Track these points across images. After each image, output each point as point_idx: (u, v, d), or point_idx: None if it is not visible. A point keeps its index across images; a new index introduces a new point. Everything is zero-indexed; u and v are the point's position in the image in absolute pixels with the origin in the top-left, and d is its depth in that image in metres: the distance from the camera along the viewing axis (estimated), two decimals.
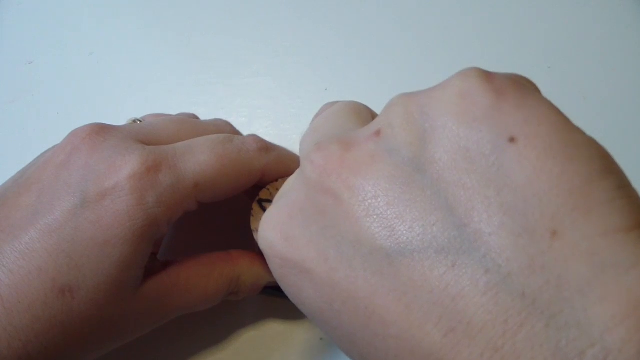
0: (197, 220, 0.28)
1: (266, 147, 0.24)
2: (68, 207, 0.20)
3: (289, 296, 0.19)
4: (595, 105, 0.34)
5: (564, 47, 0.37)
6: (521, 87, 0.15)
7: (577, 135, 0.14)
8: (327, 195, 0.16)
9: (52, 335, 0.20)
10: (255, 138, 0.25)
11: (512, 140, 0.14)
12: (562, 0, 0.39)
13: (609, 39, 0.37)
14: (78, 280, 0.20)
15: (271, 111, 0.36)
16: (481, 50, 0.37)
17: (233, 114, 0.35)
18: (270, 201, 0.25)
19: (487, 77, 0.16)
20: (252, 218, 0.24)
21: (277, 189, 0.25)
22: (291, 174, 0.25)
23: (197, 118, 0.31)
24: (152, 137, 0.24)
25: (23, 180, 0.22)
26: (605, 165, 0.14)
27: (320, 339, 0.27)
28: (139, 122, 0.27)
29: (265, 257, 0.19)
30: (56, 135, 0.24)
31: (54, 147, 0.24)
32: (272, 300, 0.28)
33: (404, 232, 0.15)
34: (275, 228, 0.18)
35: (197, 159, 0.22)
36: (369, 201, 0.15)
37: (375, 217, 0.15)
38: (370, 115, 0.21)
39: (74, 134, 0.23)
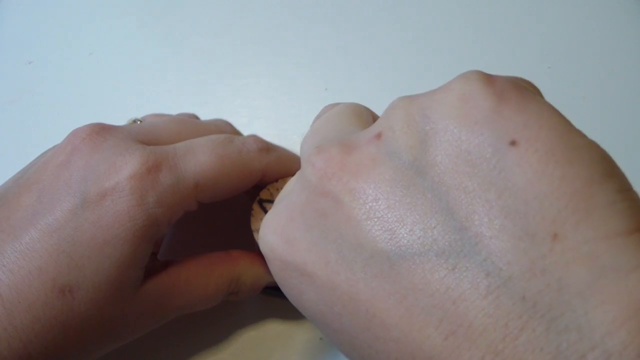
0: (198, 220, 0.28)
1: (267, 148, 0.24)
2: (68, 207, 0.20)
3: (290, 299, 0.19)
4: (595, 105, 0.34)
5: (564, 47, 0.37)
6: (522, 90, 0.15)
7: (578, 139, 0.14)
8: (328, 198, 0.16)
9: (53, 335, 0.20)
10: (255, 138, 0.25)
11: (513, 143, 0.14)
12: (562, 0, 0.39)
13: (609, 39, 0.37)
14: (78, 280, 0.20)
15: (271, 111, 0.36)
16: (481, 50, 0.37)
17: (233, 114, 0.35)
18: (270, 201, 0.25)
19: (489, 80, 0.16)
20: (252, 218, 0.24)
21: (278, 189, 0.25)
22: (292, 175, 0.25)
23: (197, 118, 0.31)
24: (152, 137, 0.24)
25: (23, 181, 0.22)
26: (606, 169, 0.14)
27: (320, 339, 0.27)
28: (139, 122, 0.27)
29: (266, 259, 0.19)
30: (56, 135, 0.24)
31: (54, 147, 0.24)
32: (272, 301, 0.28)
33: (405, 235, 0.15)
34: (276, 231, 0.18)
35: (198, 159, 0.22)
36: (370, 204, 0.15)
37: (375, 220, 0.15)
38: (371, 117, 0.21)
39: (74, 134, 0.23)
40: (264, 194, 0.25)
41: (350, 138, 0.18)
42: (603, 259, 0.13)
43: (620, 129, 0.33)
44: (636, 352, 0.11)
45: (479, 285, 0.13)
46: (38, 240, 0.20)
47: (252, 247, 0.25)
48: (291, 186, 0.20)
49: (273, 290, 0.26)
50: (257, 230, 0.24)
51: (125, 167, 0.21)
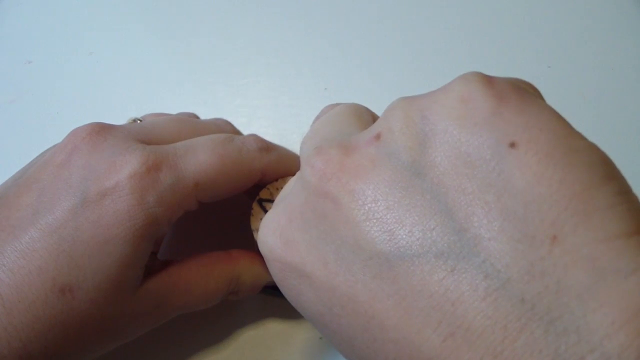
0: (198, 219, 0.28)
1: (266, 147, 0.24)
2: (68, 207, 0.20)
3: (289, 299, 0.19)
4: (595, 105, 0.34)
5: (564, 47, 0.37)
6: (522, 92, 0.15)
7: (578, 141, 0.14)
8: (327, 200, 0.16)
9: (53, 334, 0.20)
10: (255, 138, 0.25)
11: (512, 145, 0.14)
12: (562, 0, 0.39)
13: (608, 39, 0.37)
14: (78, 280, 0.20)
15: (271, 111, 0.36)
16: (481, 50, 0.37)
17: (233, 114, 0.35)
18: (270, 201, 0.25)
19: (488, 81, 0.15)
20: (252, 218, 0.24)
21: (278, 189, 0.25)
22: (292, 174, 0.25)
23: (197, 118, 0.31)
24: (152, 136, 0.24)
25: (23, 180, 0.22)
26: (606, 171, 0.14)
27: (320, 338, 0.27)
28: (139, 122, 0.27)
29: (265, 260, 0.19)
30: (56, 135, 0.24)
31: (54, 146, 0.24)
32: (272, 300, 0.28)
33: (404, 236, 0.15)
34: (275, 232, 0.18)
35: (198, 159, 0.22)
36: (369, 205, 0.15)
37: (374, 221, 0.15)
38: (371, 118, 0.21)
39: (74, 133, 0.23)
40: (263, 194, 0.25)
41: (349, 139, 0.18)
42: (602, 261, 0.13)
43: (620, 128, 0.33)
44: (635, 354, 0.11)
45: (478, 287, 0.13)
46: (38, 240, 0.20)
47: (252, 247, 0.25)
48: (291, 187, 0.20)
49: (273, 290, 0.26)
50: (257, 230, 0.24)
51: (126, 167, 0.21)
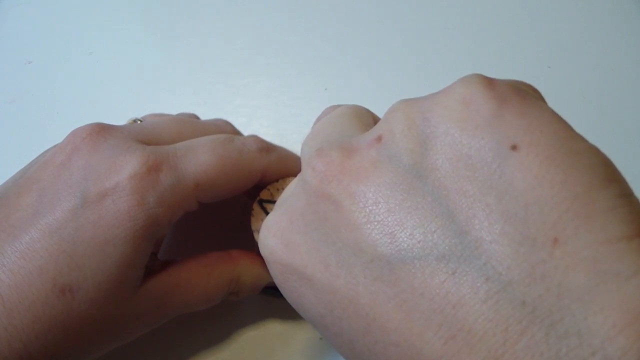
0: (198, 220, 0.28)
1: (267, 148, 0.24)
2: (69, 207, 0.20)
3: (290, 301, 0.19)
4: (594, 105, 0.34)
5: (564, 47, 0.37)
6: (523, 94, 0.15)
7: (579, 143, 0.14)
8: (328, 202, 0.16)
9: (53, 335, 0.20)
10: (255, 138, 0.25)
11: (514, 148, 0.14)
12: (561, 0, 0.39)
13: (608, 39, 0.37)
14: (78, 280, 0.20)
15: (271, 111, 0.36)
16: (481, 50, 0.37)
17: (233, 114, 0.35)
18: (271, 201, 0.25)
19: (489, 83, 0.15)
20: (252, 218, 0.24)
21: (278, 190, 0.25)
22: (292, 175, 0.25)
23: (197, 118, 0.31)
24: (152, 137, 0.24)
25: (23, 180, 0.22)
26: (608, 174, 0.14)
27: (320, 338, 0.28)
28: (139, 122, 0.27)
29: (266, 262, 0.19)
30: (56, 135, 0.24)
31: (54, 146, 0.24)
32: (272, 301, 0.28)
33: (405, 239, 0.15)
34: (276, 234, 0.18)
35: (198, 159, 0.22)
36: (370, 208, 0.16)
37: (375, 223, 0.15)
38: (372, 119, 0.21)
39: (74, 133, 0.23)
40: (264, 194, 0.25)
41: (350, 141, 0.18)
42: (603, 264, 0.12)
43: (620, 129, 0.33)
44: (636, 357, 0.11)
45: (479, 290, 0.13)
46: (38, 240, 0.20)
47: (252, 248, 0.25)
48: (292, 189, 0.20)
49: (273, 291, 0.26)
50: (258, 231, 0.24)
51: (126, 167, 0.21)
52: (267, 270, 0.25)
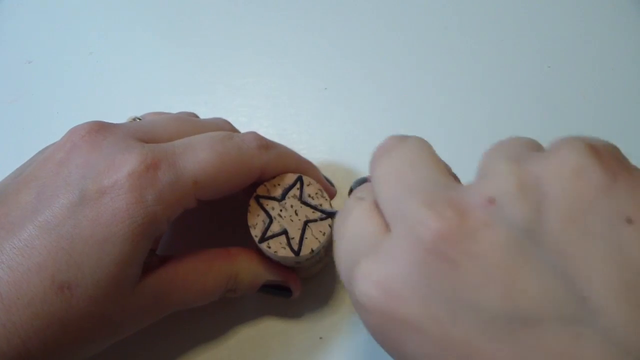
0: (196, 217, 0.28)
1: (266, 145, 0.24)
2: (67, 205, 0.20)
3: (384, 346, 0.18)
4: (595, 105, 0.34)
5: (564, 47, 0.37)
6: (629, 166, 0.16)
7: None
8: (443, 260, 0.16)
9: (51, 331, 0.20)
10: (255, 136, 0.25)
11: (629, 221, 0.15)
12: (562, 0, 0.39)
13: (608, 39, 0.37)
14: (77, 277, 0.20)
15: (271, 111, 0.36)
16: (481, 50, 0.37)
17: (233, 114, 0.35)
18: (267, 197, 0.25)
19: (596, 153, 0.16)
20: (249, 214, 0.24)
21: (275, 186, 0.25)
22: (290, 172, 0.25)
23: (196, 117, 0.31)
24: (151, 135, 0.24)
25: (22, 178, 0.22)
26: None
27: (320, 337, 0.27)
28: (138, 120, 0.27)
29: (357, 307, 0.18)
30: (56, 134, 0.24)
31: (53, 144, 0.24)
32: (270, 299, 0.27)
33: (526, 300, 0.15)
34: (378, 283, 0.17)
35: (197, 157, 0.22)
36: (488, 270, 0.16)
37: (494, 284, 0.15)
38: (438, 156, 0.20)
39: (73, 131, 0.23)
40: (260, 190, 0.25)
41: (458, 197, 0.17)
42: None
43: (620, 128, 0.33)
44: None
45: (602, 354, 0.14)
46: (37, 237, 0.20)
47: (250, 245, 0.25)
48: (393, 239, 0.18)
49: (271, 289, 0.26)
50: (254, 226, 0.24)
51: (124, 165, 0.21)
52: (265, 268, 0.25)
